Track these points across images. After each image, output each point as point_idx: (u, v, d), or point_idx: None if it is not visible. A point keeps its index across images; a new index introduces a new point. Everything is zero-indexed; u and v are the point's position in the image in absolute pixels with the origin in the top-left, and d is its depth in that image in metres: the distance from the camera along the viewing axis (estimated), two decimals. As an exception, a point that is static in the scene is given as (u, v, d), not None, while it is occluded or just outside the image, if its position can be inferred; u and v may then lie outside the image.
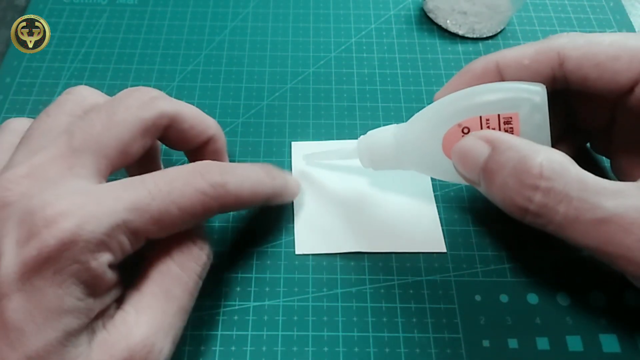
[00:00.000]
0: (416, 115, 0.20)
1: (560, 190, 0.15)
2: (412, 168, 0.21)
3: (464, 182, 0.19)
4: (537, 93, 0.17)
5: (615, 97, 0.18)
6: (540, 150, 0.16)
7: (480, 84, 0.19)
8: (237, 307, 0.22)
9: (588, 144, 0.24)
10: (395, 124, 0.22)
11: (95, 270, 0.15)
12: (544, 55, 0.19)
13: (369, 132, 0.22)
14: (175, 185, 0.17)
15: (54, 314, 0.14)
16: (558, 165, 0.15)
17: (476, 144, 0.17)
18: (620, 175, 0.21)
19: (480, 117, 0.18)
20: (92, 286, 0.15)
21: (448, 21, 0.32)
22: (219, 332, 0.22)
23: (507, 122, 0.17)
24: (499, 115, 0.18)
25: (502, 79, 0.20)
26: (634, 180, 0.16)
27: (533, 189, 0.15)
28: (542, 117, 0.17)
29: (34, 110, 0.29)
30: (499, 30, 0.33)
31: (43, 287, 0.14)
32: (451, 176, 0.19)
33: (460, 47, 0.32)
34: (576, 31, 0.33)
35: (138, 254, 0.17)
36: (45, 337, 0.14)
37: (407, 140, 0.20)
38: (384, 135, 0.21)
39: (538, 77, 0.19)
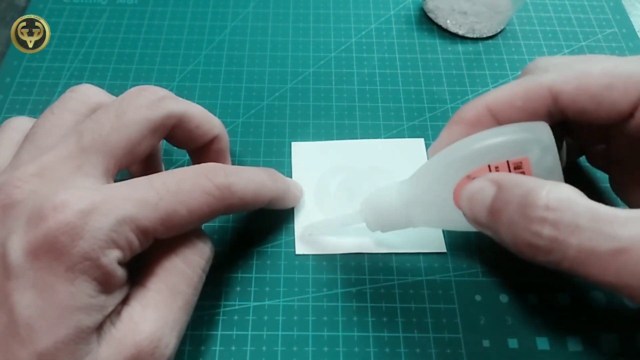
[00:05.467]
0: (419, 171, 0.20)
1: (569, 222, 0.14)
2: (423, 225, 0.21)
3: (477, 230, 0.18)
4: (543, 132, 0.17)
5: (614, 123, 0.18)
6: (546, 184, 0.15)
7: (476, 132, 0.18)
8: (237, 307, 0.22)
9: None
10: (396, 182, 0.21)
11: (106, 267, 0.15)
12: (536, 94, 0.18)
13: (370, 195, 0.21)
14: (183, 186, 0.17)
15: (66, 311, 0.14)
16: (565, 196, 0.14)
17: (482, 186, 0.17)
18: (618, 189, 0.21)
19: (489, 165, 0.17)
20: (103, 283, 0.15)
21: (448, 21, 0.32)
22: (219, 332, 0.22)
23: (517, 168, 0.17)
24: (507, 161, 0.17)
25: (497, 123, 0.19)
26: (634, 196, 0.15)
27: (540, 222, 0.14)
28: (553, 157, 0.17)
29: (34, 110, 0.29)
30: (499, 30, 0.33)
31: (55, 284, 0.14)
32: (465, 226, 0.18)
33: (460, 47, 0.32)
34: (576, 31, 0.33)
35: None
36: (56, 334, 0.14)
37: (414, 198, 0.20)
38: (389, 196, 0.20)
39: (534, 117, 0.18)
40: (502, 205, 0.16)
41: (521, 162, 0.17)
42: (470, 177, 0.17)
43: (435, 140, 0.20)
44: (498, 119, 0.19)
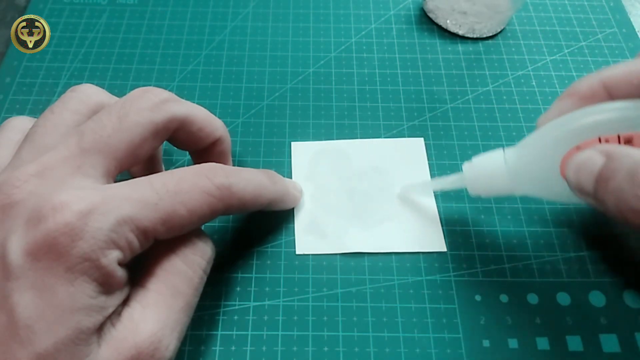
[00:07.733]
0: (526, 139, 0.20)
1: None
2: (527, 193, 0.21)
3: (580, 202, 0.18)
4: None
5: None
6: None
7: (588, 105, 0.18)
8: (237, 307, 0.22)
9: None
10: (501, 149, 0.21)
11: (106, 268, 0.15)
12: None
13: (474, 160, 0.22)
14: (183, 186, 0.17)
15: (66, 312, 0.14)
16: None
17: (591, 155, 0.17)
18: None
19: (599, 138, 0.17)
20: (104, 284, 0.15)
21: (448, 21, 0.32)
22: (219, 332, 0.22)
23: (627, 142, 0.17)
24: (618, 135, 0.17)
25: (610, 98, 0.19)
26: None
27: None
28: None
29: (34, 110, 0.29)
30: (499, 30, 0.33)
31: (55, 284, 0.14)
32: (568, 197, 0.19)
33: (460, 47, 0.32)
34: (576, 31, 0.33)
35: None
36: (56, 335, 0.14)
37: (521, 166, 0.20)
38: (495, 162, 0.21)
39: None
40: (610, 173, 0.16)
41: (632, 137, 0.17)
42: (579, 148, 0.18)
43: (546, 111, 0.21)
44: (612, 94, 0.19)
